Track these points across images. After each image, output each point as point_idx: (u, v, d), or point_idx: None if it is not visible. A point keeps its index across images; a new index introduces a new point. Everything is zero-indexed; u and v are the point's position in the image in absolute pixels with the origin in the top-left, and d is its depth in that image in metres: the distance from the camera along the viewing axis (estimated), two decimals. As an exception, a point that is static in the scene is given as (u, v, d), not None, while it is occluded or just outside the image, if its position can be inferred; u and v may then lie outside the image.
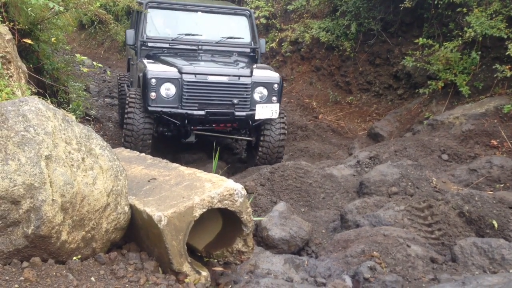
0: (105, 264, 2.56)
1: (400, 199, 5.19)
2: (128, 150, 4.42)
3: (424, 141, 6.71)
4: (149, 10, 6.94)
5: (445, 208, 4.82)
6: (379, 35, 9.41)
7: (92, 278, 2.40)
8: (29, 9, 6.12)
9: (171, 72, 6.07)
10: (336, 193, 6.06)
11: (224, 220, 3.07)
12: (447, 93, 7.62)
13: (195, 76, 6.04)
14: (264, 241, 4.53)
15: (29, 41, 5.66)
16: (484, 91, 7.22)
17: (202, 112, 6.10)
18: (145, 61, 6.36)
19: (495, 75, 6.88)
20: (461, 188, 5.56)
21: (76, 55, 7.01)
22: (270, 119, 6.57)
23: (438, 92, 7.73)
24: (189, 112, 6.06)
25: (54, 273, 2.30)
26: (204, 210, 2.65)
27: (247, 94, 6.25)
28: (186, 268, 2.64)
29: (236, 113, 6.23)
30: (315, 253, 4.58)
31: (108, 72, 10.67)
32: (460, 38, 7.24)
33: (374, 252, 3.83)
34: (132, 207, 2.85)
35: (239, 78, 6.20)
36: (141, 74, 6.27)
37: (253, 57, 7.21)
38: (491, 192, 5.41)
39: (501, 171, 5.82)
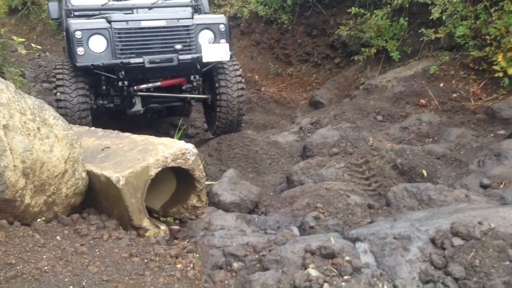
0: (68, 225, 2.72)
1: (340, 158, 5.57)
2: (77, 125, 4.50)
3: (361, 105, 7.13)
4: None
5: (380, 162, 5.23)
6: (315, 7, 9.73)
7: (58, 237, 2.56)
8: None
9: (99, 22, 5.44)
10: (281, 158, 6.37)
11: (178, 180, 3.28)
12: (379, 59, 8.08)
13: (127, 23, 5.39)
14: (216, 206, 4.71)
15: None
16: (413, 55, 7.71)
17: (140, 60, 5.37)
18: (70, 19, 5.61)
19: (421, 39, 7.36)
20: (395, 145, 6.00)
21: (13, 37, 6.86)
22: (224, 72, 6.04)
23: (372, 59, 8.17)
24: (125, 61, 5.34)
25: (21, 234, 2.45)
26: (159, 169, 2.85)
27: (190, 38, 5.62)
28: (146, 223, 2.85)
29: (180, 57, 5.53)
30: (265, 213, 4.85)
31: (48, 54, 10.35)
32: (389, 6, 7.66)
33: (318, 204, 4.15)
34: (89, 173, 3.00)
35: (178, 21, 5.57)
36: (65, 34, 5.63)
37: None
38: (421, 146, 5.89)
39: (429, 127, 6.31)
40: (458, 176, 5.10)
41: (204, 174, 3.10)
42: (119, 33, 5.34)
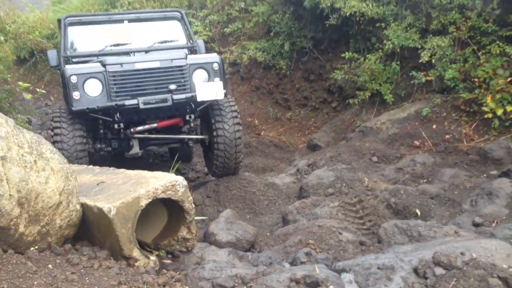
0: (60, 255, 2.81)
1: (335, 197, 5.66)
2: (77, 165, 4.64)
3: (356, 146, 7.27)
4: (69, 27, 6.36)
5: (374, 201, 5.31)
6: (311, 53, 10.04)
7: (50, 266, 2.65)
8: (-33, 40, 6.27)
9: (94, 66, 5.50)
10: (278, 199, 6.46)
11: (169, 214, 3.38)
12: (374, 102, 8.28)
13: (121, 66, 5.45)
14: (212, 245, 4.77)
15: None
16: (406, 98, 7.91)
17: (134, 101, 5.41)
18: (67, 65, 5.68)
19: (413, 82, 7.58)
20: (390, 185, 6.09)
21: (19, 83, 7.12)
22: (220, 110, 6.05)
23: (367, 102, 8.38)
24: (119, 103, 5.37)
25: (14, 261, 2.54)
26: (150, 200, 2.96)
27: (184, 78, 5.65)
28: (136, 253, 2.93)
29: (175, 97, 5.55)
30: (259, 251, 4.88)
31: (52, 99, 10.63)
32: (380, 51, 7.93)
33: (310, 240, 4.21)
34: (83, 205, 3.12)
35: (172, 61, 5.62)
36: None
37: None
38: (415, 186, 5.98)
39: (423, 168, 6.42)
40: (452, 216, 5.18)
41: (194, 206, 3.20)
42: (114, 76, 5.41)
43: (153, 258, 3.02)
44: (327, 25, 8.72)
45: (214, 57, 5.93)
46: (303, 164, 7.19)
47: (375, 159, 6.97)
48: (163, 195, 3.02)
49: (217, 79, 5.77)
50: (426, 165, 6.45)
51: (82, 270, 2.70)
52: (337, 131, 8.75)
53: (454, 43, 7.20)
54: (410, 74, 7.56)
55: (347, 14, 8.08)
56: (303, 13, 9.69)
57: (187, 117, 6.07)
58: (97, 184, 3.46)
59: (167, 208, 3.36)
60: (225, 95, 5.82)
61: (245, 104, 11.10)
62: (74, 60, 6.18)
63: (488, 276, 2.75)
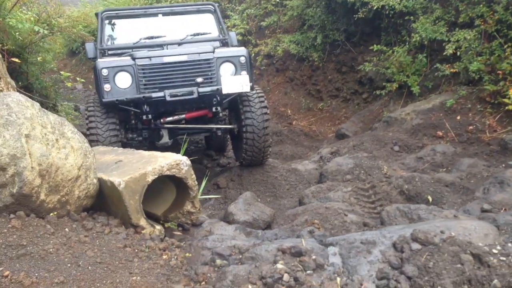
0: (77, 221, 3.22)
1: (349, 183, 5.88)
2: (105, 146, 5.08)
3: (379, 136, 7.42)
4: (106, 21, 6.63)
5: (387, 187, 5.49)
6: (344, 45, 10.19)
7: (66, 229, 3.06)
8: (17, 33, 6.85)
9: (124, 60, 5.69)
10: (299, 184, 6.74)
11: (177, 191, 3.75)
12: (402, 93, 8.37)
13: (150, 59, 5.64)
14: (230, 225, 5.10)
15: (17, 60, 6.36)
16: (433, 90, 7.96)
17: (161, 94, 5.59)
18: (98, 59, 5.95)
19: (437, 74, 7.63)
20: (407, 173, 6.22)
21: (61, 72, 7.67)
22: (248, 101, 6.20)
23: (394, 93, 8.48)
24: (146, 95, 5.58)
25: (35, 223, 2.96)
26: (156, 176, 3.33)
27: (211, 71, 5.78)
28: (143, 222, 3.31)
29: (200, 90, 5.69)
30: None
31: (90, 86, 11.25)
32: (408, 43, 8.01)
33: (315, 220, 4.47)
34: (100, 180, 3.52)
35: (199, 55, 5.76)
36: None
37: None
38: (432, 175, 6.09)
39: (443, 157, 6.51)
40: (463, 203, 5.27)
41: (196, 183, 3.54)
42: (143, 69, 5.60)
43: (158, 227, 3.39)
44: (356, 19, 8.86)
45: (241, 50, 6.04)
46: (326, 152, 7.42)
47: (396, 148, 7.10)
48: (168, 172, 3.38)
49: (243, 72, 5.87)
50: (446, 155, 6.53)
51: (94, 234, 3.10)
52: (365, 122, 8.90)
53: (481, 36, 7.20)
54: (435, 66, 7.61)
55: (376, 7, 8.19)
56: (335, 6, 9.84)
57: (214, 109, 6.15)
58: (115, 163, 3.86)
59: (175, 186, 3.72)
60: (252, 88, 5.91)
61: (279, 95, 11.38)
62: (110, 52, 6.43)
63: (461, 252, 2.94)
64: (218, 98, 5.99)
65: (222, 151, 8.80)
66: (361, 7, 8.61)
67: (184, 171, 3.43)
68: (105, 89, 5.51)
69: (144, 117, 5.85)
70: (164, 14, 6.82)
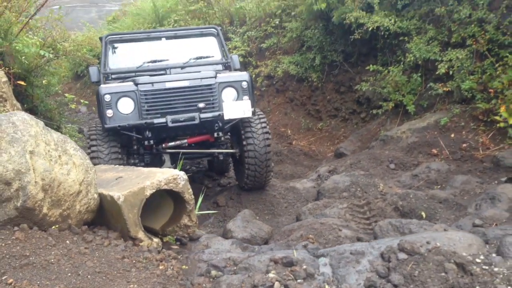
0: (78, 234, 3.37)
1: (344, 199, 6.01)
2: (106, 165, 5.25)
3: (376, 154, 7.57)
4: (110, 45, 6.69)
5: (382, 204, 5.62)
6: (342, 66, 10.42)
7: (67, 241, 3.21)
8: (23, 57, 7.09)
9: (126, 85, 5.73)
10: (297, 202, 6.87)
11: (174, 205, 3.89)
12: (398, 112, 8.55)
13: (152, 85, 5.69)
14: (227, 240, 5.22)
15: (23, 83, 6.57)
16: (428, 108, 8.14)
17: (163, 120, 5.64)
18: (101, 85, 5.95)
19: (431, 93, 7.82)
20: (402, 190, 6.35)
21: (65, 94, 7.88)
22: (250, 125, 6.21)
23: (391, 112, 8.65)
24: (148, 121, 5.62)
25: (38, 236, 3.11)
26: (154, 190, 3.48)
27: (213, 96, 5.82)
28: (141, 235, 3.45)
29: (202, 116, 5.74)
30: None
31: (94, 108, 11.47)
32: (403, 63, 8.22)
33: (310, 235, 4.60)
34: (100, 195, 3.68)
35: (201, 80, 5.82)
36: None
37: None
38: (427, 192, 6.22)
39: (438, 174, 6.65)
40: (456, 219, 5.39)
41: (193, 197, 3.69)
42: (145, 95, 5.64)
43: (156, 240, 3.53)
44: (353, 39, 9.10)
45: (243, 75, 6.05)
46: (324, 170, 7.57)
47: (392, 166, 7.24)
48: (165, 187, 3.54)
49: (245, 97, 5.90)
50: (440, 172, 6.67)
51: (94, 246, 3.24)
52: (362, 140, 9.06)
53: (473, 55, 7.40)
54: (429, 85, 7.80)
55: (371, 29, 8.42)
56: (332, 28, 10.11)
57: (216, 134, 6.18)
58: (116, 179, 4.01)
59: (173, 200, 3.87)
60: (253, 113, 5.95)
61: (279, 115, 11.58)
62: (113, 76, 6.51)
63: (445, 262, 3.07)
64: (220, 123, 6.04)
65: (223, 173, 8.90)
66: (357, 28, 8.84)
67: (181, 185, 3.59)
68: (107, 114, 5.55)
69: (146, 142, 5.89)
70: (168, 37, 6.91)
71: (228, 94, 5.95)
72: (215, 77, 5.92)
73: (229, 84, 5.95)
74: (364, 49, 9.91)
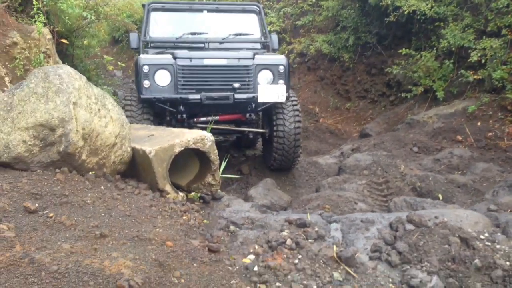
0: (111, 182, 3.67)
1: (364, 176, 6.18)
2: (140, 124, 5.54)
3: (400, 137, 7.68)
4: (152, 12, 6.75)
5: (400, 184, 5.79)
6: (375, 48, 10.46)
7: (102, 187, 3.51)
8: (66, 17, 7.41)
9: (165, 58, 5.77)
10: (318, 176, 7.08)
11: (200, 165, 4.16)
12: (427, 97, 8.61)
13: (190, 60, 5.71)
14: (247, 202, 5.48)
15: (65, 41, 6.90)
16: (458, 96, 8.17)
17: (197, 96, 5.70)
18: (141, 55, 6.01)
19: (461, 80, 7.84)
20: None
21: (104, 56, 8.20)
22: (282, 108, 6.21)
23: (420, 97, 8.71)
24: (183, 96, 5.69)
25: (76, 179, 3.42)
26: (182, 148, 3.75)
27: (249, 78, 5.83)
28: (168, 188, 3.73)
29: (236, 96, 5.78)
30: (287, 213, 5.50)
31: (130, 72, 11.74)
32: (436, 49, 8.24)
33: (326, 205, 4.83)
34: (133, 149, 3.97)
35: (238, 60, 5.83)
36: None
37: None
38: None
39: (460, 160, 6.74)
40: (473, 203, 5.51)
41: (218, 158, 3.95)
42: (183, 70, 5.70)
43: (181, 194, 3.81)
44: (388, 22, 9.12)
45: (281, 59, 6.06)
46: (347, 148, 7.74)
47: (415, 149, 7.35)
48: (193, 146, 3.80)
49: (281, 82, 5.93)
50: (463, 158, 6.75)
51: (125, 193, 3.54)
52: (389, 123, 9.15)
53: (507, 46, 7.38)
54: (459, 72, 7.82)
55: (406, 12, 8.44)
56: (369, 9, 10.12)
57: (248, 115, 6.29)
58: (148, 136, 4.30)
59: (199, 160, 4.13)
60: (287, 97, 5.99)
61: (309, 93, 11.72)
62: (152, 45, 6.60)
63: (450, 235, 3.25)
64: (253, 105, 6.09)
65: (251, 147, 9.04)
66: (393, 11, 8.86)
67: (207, 146, 3.84)
68: (144, 85, 5.65)
69: (179, 116, 6.01)
70: (209, 10, 6.93)
71: (264, 77, 5.96)
72: (253, 58, 5.93)
73: (266, 66, 5.94)
74: (399, 32, 9.91)
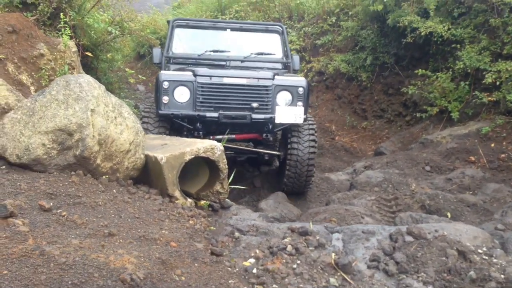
0: (123, 186, 3.85)
1: (374, 192, 6.26)
2: (155, 135, 5.74)
3: (413, 156, 7.73)
4: (176, 29, 6.84)
5: (410, 201, 5.85)
6: (393, 68, 10.58)
7: (114, 190, 3.69)
8: (92, 31, 7.73)
9: (185, 75, 5.81)
10: (329, 192, 7.16)
11: (210, 174, 4.32)
12: (442, 118, 8.66)
13: (210, 78, 5.75)
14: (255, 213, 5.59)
15: (90, 54, 7.20)
16: (473, 117, 8.21)
17: (215, 114, 5.75)
18: (161, 71, 6.09)
19: (480, 102, 7.89)
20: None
21: (126, 69, 8.48)
22: (298, 131, 6.17)
23: (435, 117, 8.77)
24: (201, 113, 5.74)
25: (90, 182, 3.61)
26: (192, 156, 3.92)
27: (267, 98, 5.84)
28: (177, 194, 3.89)
29: (254, 116, 5.79)
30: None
31: (151, 85, 12.02)
32: (451, 70, 8.32)
33: (333, 218, 4.92)
34: (146, 156, 4.15)
35: (258, 80, 5.83)
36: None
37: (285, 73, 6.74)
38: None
39: (471, 180, 6.76)
40: (481, 222, 5.55)
41: (227, 167, 4.10)
42: (202, 87, 5.73)
43: (190, 200, 3.97)
44: (406, 43, 9.24)
45: (300, 81, 6.02)
46: (360, 166, 7.82)
47: (428, 168, 7.39)
48: (203, 154, 3.96)
49: (299, 103, 5.88)
50: (474, 179, 6.78)
51: (136, 197, 3.71)
52: (404, 142, 9.21)
53: (523, 68, 7.44)
54: (474, 94, 7.88)
55: (423, 33, 8.56)
56: (387, 30, 10.27)
57: (264, 135, 6.23)
58: (161, 145, 4.48)
59: (209, 170, 4.29)
60: (305, 119, 5.94)
61: (326, 111, 11.85)
62: (174, 61, 6.72)
63: (448, 248, 3.33)
64: (270, 126, 6.05)
65: (267, 165, 9.07)
66: (410, 32, 8.99)
67: (217, 155, 4.01)
68: (163, 101, 5.70)
69: (196, 133, 6.01)
70: (232, 29, 7.04)
71: (283, 98, 5.95)
72: (273, 78, 5.92)
73: (285, 87, 5.93)
74: (417, 53, 10.02)
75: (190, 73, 5.84)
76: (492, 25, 8.15)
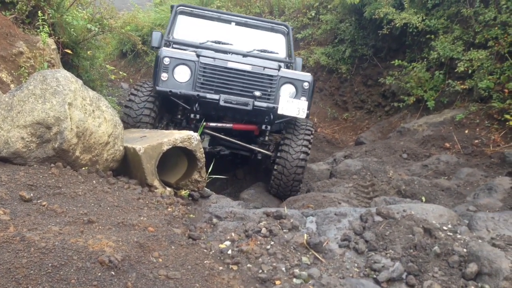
0: (103, 177, 3.96)
1: (352, 180, 6.43)
2: (135, 129, 5.82)
3: (391, 144, 7.94)
4: (179, 15, 6.67)
5: (386, 187, 6.03)
6: (371, 60, 10.76)
7: (94, 181, 3.80)
8: (72, 29, 7.77)
9: (188, 54, 5.62)
10: (310, 181, 7.31)
11: (188, 163, 4.44)
12: (419, 107, 8.87)
13: (214, 60, 5.56)
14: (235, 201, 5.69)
15: (70, 52, 7.25)
16: (448, 105, 8.42)
17: (216, 96, 5.51)
18: (164, 48, 5.86)
19: (450, 90, 8.10)
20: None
21: (106, 66, 8.52)
22: (293, 133, 5.99)
23: (412, 106, 8.97)
24: (201, 94, 5.50)
25: (70, 173, 3.71)
26: (170, 146, 4.04)
27: (271, 88, 5.68)
28: (156, 183, 4.01)
29: (256, 104, 5.59)
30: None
31: (131, 80, 12.06)
32: (426, 60, 8.53)
33: (310, 205, 5.08)
34: (125, 148, 4.26)
35: (264, 69, 5.66)
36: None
37: None
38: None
39: (446, 166, 6.97)
40: (454, 205, 5.75)
41: (204, 156, 4.23)
42: (204, 68, 5.55)
43: (169, 189, 4.09)
44: (383, 35, 9.43)
45: (306, 76, 5.89)
46: (340, 155, 8.00)
47: (405, 156, 7.59)
48: (180, 144, 4.09)
49: (303, 98, 5.73)
50: (449, 164, 6.99)
51: (115, 188, 3.83)
52: (383, 132, 9.41)
53: (494, 57, 7.64)
54: (447, 82, 8.09)
55: (398, 25, 8.74)
56: (365, 23, 10.44)
57: (263, 127, 6.04)
58: (140, 137, 4.60)
59: (187, 160, 4.42)
60: (307, 116, 5.76)
61: (308, 104, 12.00)
62: (175, 46, 6.42)
63: (414, 226, 3.50)
64: (271, 116, 5.92)
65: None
66: (386, 24, 9.17)
67: (194, 144, 4.13)
68: (162, 77, 5.48)
69: (192, 115, 5.84)
70: (238, 23, 6.90)
71: (287, 91, 5.79)
72: (279, 70, 5.79)
73: (290, 80, 5.77)
74: (394, 45, 10.22)
75: (193, 53, 5.67)
76: (464, 15, 8.36)
